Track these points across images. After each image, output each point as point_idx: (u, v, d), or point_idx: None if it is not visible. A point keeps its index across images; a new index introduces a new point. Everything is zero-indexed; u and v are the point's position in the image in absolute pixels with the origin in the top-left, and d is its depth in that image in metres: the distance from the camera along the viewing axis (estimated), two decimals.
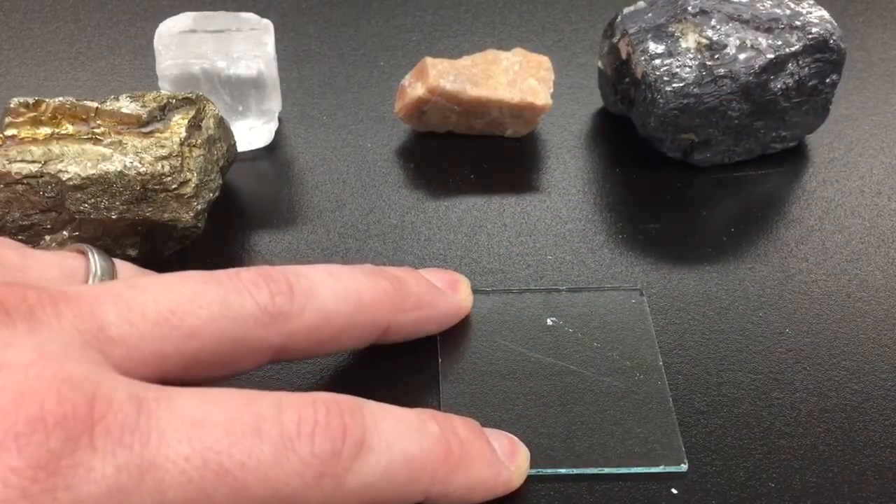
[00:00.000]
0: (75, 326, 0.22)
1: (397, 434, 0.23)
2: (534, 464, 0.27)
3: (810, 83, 0.37)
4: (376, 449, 0.22)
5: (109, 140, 0.31)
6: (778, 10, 0.37)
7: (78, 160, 0.31)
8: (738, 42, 0.36)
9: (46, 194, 0.31)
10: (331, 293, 0.26)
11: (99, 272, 0.26)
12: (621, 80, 0.39)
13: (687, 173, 0.39)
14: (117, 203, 0.31)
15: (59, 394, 0.19)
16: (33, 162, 0.30)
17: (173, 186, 0.31)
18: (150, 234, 0.32)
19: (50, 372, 0.20)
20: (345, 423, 0.22)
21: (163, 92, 0.34)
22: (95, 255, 0.27)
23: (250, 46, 0.37)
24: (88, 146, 0.31)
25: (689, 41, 0.37)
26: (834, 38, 0.37)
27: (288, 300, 0.25)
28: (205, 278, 0.24)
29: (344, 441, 0.22)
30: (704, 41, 0.36)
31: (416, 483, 0.23)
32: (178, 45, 0.37)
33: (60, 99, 0.32)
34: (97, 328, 0.22)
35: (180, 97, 0.33)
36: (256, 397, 0.22)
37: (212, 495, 0.20)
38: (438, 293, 0.30)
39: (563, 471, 0.27)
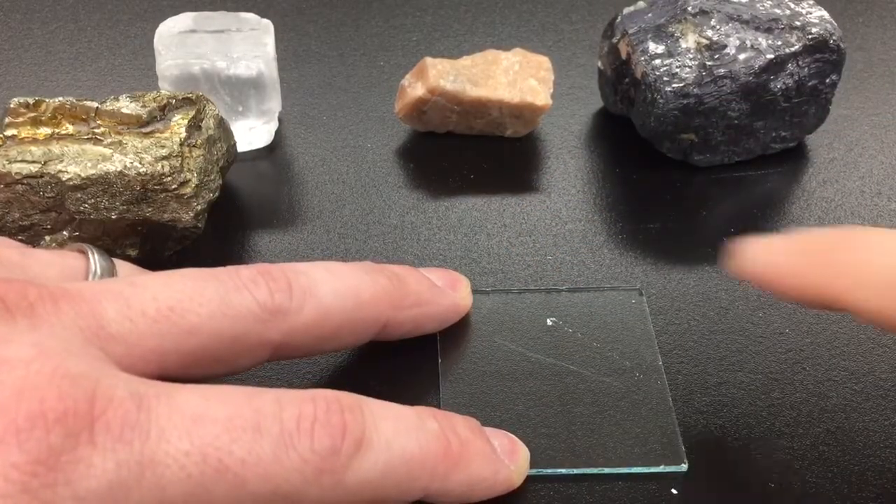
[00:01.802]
0: (76, 323, 0.22)
1: (397, 431, 0.23)
2: (534, 464, 0.27)
3: (810, 83, 0.37)
4: (375, 446, 0.22)
5: (109, 140, 0.31)
6: (778, 10, 0.37)
7: (78, 160, 0.31)
8: (738, 42, 0.36)
9: (46, 194, 0.31)
10: (330, 290, 0.26)
11: (99, 271, 0.26)
12: (621, 80, 0.39)
13: (687, 173, 0.39)
14: (117, 203, 0.31)
15: (60, 390, 0.19)
16: (33, 162, 0.30)
17: (173, 186, 0.31)
18: (150, 235, 0.32)
19: (50, 368, 0.20)
20: (344, 420, 0.22)
21: (163, 92, 0.34)
22: (95, 255, 0.27)
23: (250, 46, 0.37)
24: (88, 146, 0.31)
25: (689, 41, 0.37)
26: (834, 38, 0.37)
27: (287, 297, 0.25)
28: (204, 276, 0.24)
29: (343, 438, 0.22)
30: (704, 41, 0.36)
31: (415, 480, 0.23)
32: (178, 45, 0.37)
33: (60, 99, 0.32)
34: (97, 325, 0.22)
35: (180, 97, 0.33)
36: (257, 394, 0.22)
37: (212, 491, 0.20)
38: (438, 291, 0.30)
39: (562, 471, 0.27)
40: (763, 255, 0.26)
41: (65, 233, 0.32)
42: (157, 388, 0.21)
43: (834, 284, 0.24)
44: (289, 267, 0.26)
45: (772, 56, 0.36)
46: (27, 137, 0.31)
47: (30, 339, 0.21)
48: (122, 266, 0.28)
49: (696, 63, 0.36)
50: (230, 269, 0.25)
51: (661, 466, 0.27)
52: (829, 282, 0.24)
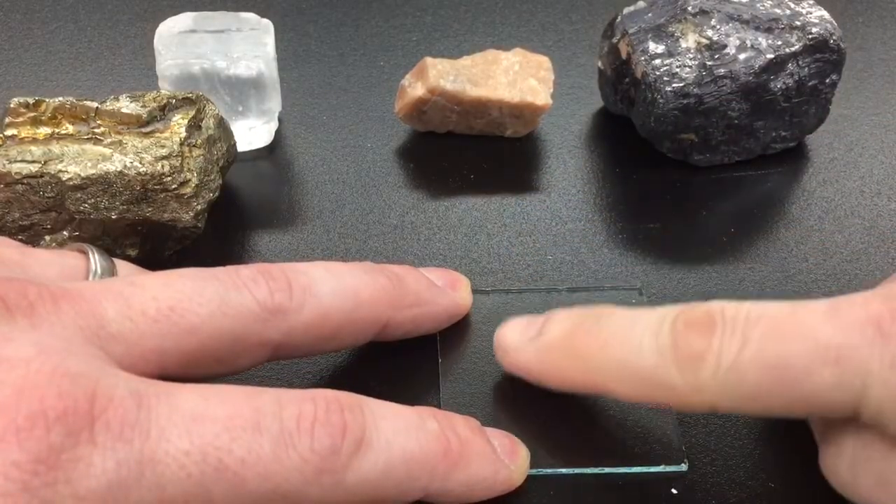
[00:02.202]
0: (76, 323, 0.22)
1: (397, 431, 0.23)
2: (534, 464, 0.27)
3: (810, 83, 0.37)
4: (375, 446, 0.22)
5: (109, 140, 0.31)
6: (778, 10, 0.37)
7: (78, 160, 0.31)
8: (738, 42, 0.36)
9: (46, 194, 0.31)
10: (329, 290, 0.26)
11: (99, 271, 0.26)
12: (621, 80, 0.39)
13: (687, 173, 0.39)
14: (117, 203, 0.31)
15: (60, 389, 0.19)
16: (33, 162, 0.30)
17: (173, 186, 0.31)
18: (150, 234, 0.32)
19: (50, 367, 0.20)
20: (344, 419, 0.22)
21: (163, 92, 0.34)
22: (96, 255, 0.27)
23: (250, 46, 0.37)
24: (88, 146, 0.31)
25: (689, 41, 0.37)
26: (834, 38, 0.37)
27: (287, 297, 0.25)
28: (204, 275, 0.24)
29: (343, 437, 0.22)
30: (704, 41, 0.36)
31: (415, 480, 0.23)
32: (178, 45, 0.37)
33: (60, 99, 0.32)
34: (97, 325, 0.22)
35: (180, 97, 0.33)
36: (256, 393, 0.22)
37: (211, 491, 0.20)
38: (438, 291, 0.30)
39: (563, 470, 0.27)
40: (514, 356, 0.27)
41: (65, 233, 0.32)
42: (156, 387, 0.21)
43: (588, 377, 0.25)
44: (288, 266, 0.26)
45: (772, 56, 0.36)
46: (27, 137, 0.31)
47: (30, 338, 0.21)
48: (122, 266, 0.28)
49: (696, 63, 0.36)
50: (230, 268, 0.25)
51: (661, 466, 0.27)
52: (583, 375, 0.25)
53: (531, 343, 0.27)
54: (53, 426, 0.19)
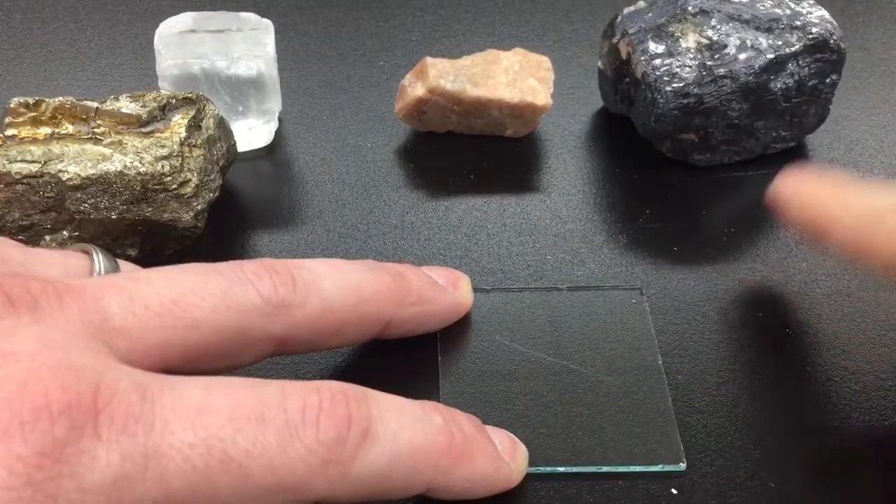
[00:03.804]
0: (79, 317, 0.22)
1: (402, 423, 0.23)
2: (533, 462, 0.27)
3: (810, 83, 0.37)
4: (381, 437, 0.22)
5: (109, 140, 0.32)
6: (778, 10, 0.37)
7: (78, 160, 0.31)
8: (738, 42, 0.36)
9: (46, 194, 0.31)
10: (333, 285, 0.26)
11: (103, 272, 0.26)
12: (621, 80, 0.39)
13: (687, 173, 0.39)
14: (117, 203, 0.31)
15: (64, 383, 0.19)
16: (33, 162, 0.30)
17: (173, 186, 0.31)
18: (150, 234, 0.32)
19: (54, 361, 0.20)
20: (350, 410, 0.22)
21: (163, 92, 0.34)
22: (99, 255, 0.27)
23: (250, 46, 0.37)
24: (88, 146, 0.31)
25: (689, 41, 0.37)
26: (834, 38, 0.37)
27: (291, 291, 0.25)
28: (207, 270, 0.24)
29: (349, 428, 0.22)
30: (704, 41, 0.36)
31: (420, 473, 0.23)
32: (178, 45, 0.37)
33: (60, 99, 0.32)
34: (101, 319, 0.22)
35: (180, 97, 0.33)
36: (260, 385, 0.22)
37: (216, 483, 0.20)
38: (440, 289, 0.30)
39: (562, 469, 0.27)
40: (784, 184, 0.32)
41: (65, 233, 0.32)
42: (160, 380, 0.21)
43: (823, 213, 0.30)
44: (292, 262, 0.26)
45: (772, 56, 0.36)
46: (27, 137, 0.31)
47: (34, 332, 0.21)
48: (124, 267, 0.28)
49: (697, 63, 0.36)
50: (233, 263, 0.25)
51: (660, 466, 0.27)
52: (821, 212, 0.30)
53: (800, 180, 0.32)
54: (57, 420, 0.19)
